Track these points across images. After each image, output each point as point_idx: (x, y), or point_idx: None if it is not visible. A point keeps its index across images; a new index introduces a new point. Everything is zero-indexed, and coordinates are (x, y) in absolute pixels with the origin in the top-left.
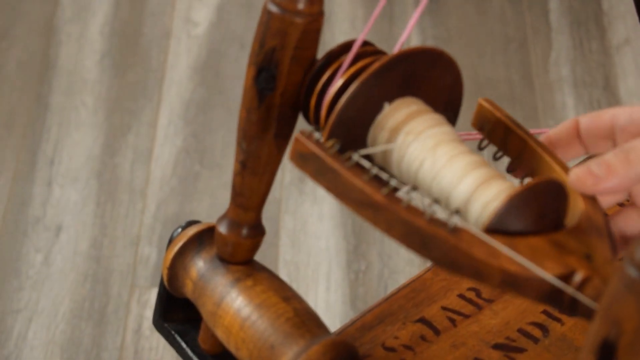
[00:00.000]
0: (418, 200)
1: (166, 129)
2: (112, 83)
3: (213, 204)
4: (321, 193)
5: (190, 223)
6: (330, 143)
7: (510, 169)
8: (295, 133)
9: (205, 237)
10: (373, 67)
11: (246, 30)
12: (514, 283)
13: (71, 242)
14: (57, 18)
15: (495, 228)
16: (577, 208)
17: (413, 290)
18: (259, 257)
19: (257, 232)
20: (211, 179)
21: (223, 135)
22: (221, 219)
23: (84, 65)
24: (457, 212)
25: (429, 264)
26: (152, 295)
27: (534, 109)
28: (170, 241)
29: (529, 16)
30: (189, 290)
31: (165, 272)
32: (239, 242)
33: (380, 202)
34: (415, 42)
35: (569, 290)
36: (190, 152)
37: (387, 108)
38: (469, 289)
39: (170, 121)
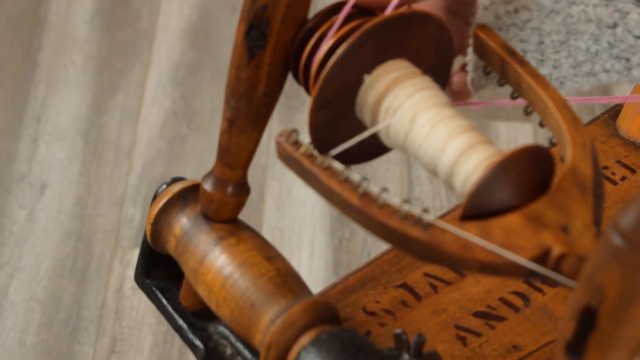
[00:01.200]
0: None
1: (155, 90)
2: (102, 42)
3: (199, 166)
4: None
5: (175, 180)
6: (304, 147)
7: (513, 97)
8: (277, 134)
9: (189, 194)
10: (363, 29)
11: None
12: (492, 269)
13: (55, 199)
14: None
15: (474, 207)
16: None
17: (396, 255)
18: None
19: (242, 190)
20: (198, 141)
21: (212, 98)
22: (207, 176)
23: (75, 23)
24: (426, 210)
25: None
26: (135, 256)
27: None
28: (155, 197)
29: None
30: (171, 246)
31: (149, 227)
32: (224, 200)
33: (357, 206)
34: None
35: (544, 271)
36: (178, 114)
37: (368, 80)
38: None
39: (159, 82)
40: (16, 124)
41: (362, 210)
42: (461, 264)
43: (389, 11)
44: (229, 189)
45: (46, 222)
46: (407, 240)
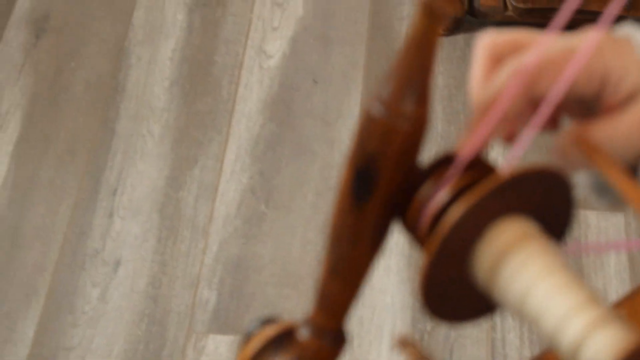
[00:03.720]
0: None
1: (233, 165)
2: (181, 112)
3: (277, 247)
4: (388, 246)
5: (268, 321)
6: None
7: None
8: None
9: (284, 339)
10: (484, 190)
11: (320, 64)
12: None
13: (129, 278)
14: (128, 40)
15: None
16: None
17: None
18: None
19: (340, 340)
20: (276, 221)
21: (291, 175)
22: (303, 323)
23: (153, 91)
24: None
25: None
26: (209, 342)
27: None
28: (247, 339)
29: None
30: None
31: None
32: (320, 349)
33: None
34: None
35: None
36: (256, 191)
37: (484, 243)
38: None
39: (238, 156)
40: (91, 196)
41: None
42: None
43: (506, 166)
44: (326, 339)
45: (119, 302)
46: None
